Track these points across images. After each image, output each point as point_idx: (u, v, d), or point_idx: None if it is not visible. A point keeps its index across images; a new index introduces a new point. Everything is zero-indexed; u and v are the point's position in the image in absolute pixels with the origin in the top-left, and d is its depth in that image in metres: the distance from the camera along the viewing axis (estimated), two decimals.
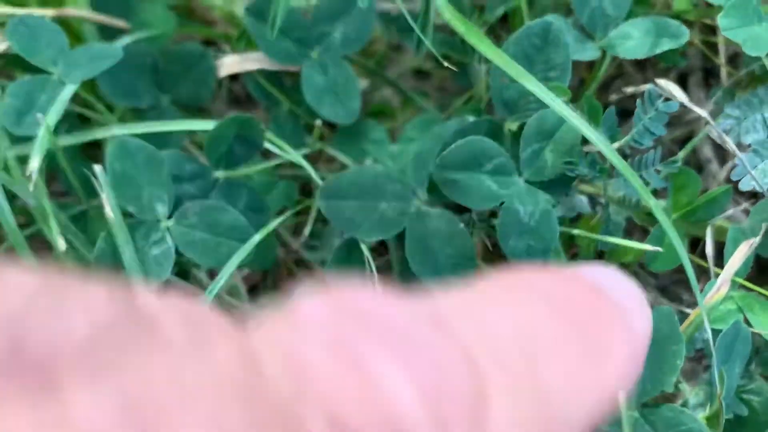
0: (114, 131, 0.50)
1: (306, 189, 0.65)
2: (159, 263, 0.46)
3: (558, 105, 0.42)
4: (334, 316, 0.20)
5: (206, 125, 0.50)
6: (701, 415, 0.46)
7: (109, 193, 0.46)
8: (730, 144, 0.46)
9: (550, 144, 0.46)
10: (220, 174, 0.50)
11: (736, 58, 0.63)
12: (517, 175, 0.46)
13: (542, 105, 0.46)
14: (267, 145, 0.52)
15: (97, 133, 0.50)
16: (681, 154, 0.51)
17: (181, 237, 0.47)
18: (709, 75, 0.65)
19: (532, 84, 0.43)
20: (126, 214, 0.47)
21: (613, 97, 0.51)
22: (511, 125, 0.48)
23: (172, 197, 0.47)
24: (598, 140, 0.41)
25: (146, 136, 0.55)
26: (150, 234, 0.47)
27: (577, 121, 0.42)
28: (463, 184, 0.45)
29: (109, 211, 0.45)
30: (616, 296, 0.30)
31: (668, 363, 0.44)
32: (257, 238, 0.47)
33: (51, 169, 0.65)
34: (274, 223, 0.48)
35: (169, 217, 0.47)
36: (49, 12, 0.52)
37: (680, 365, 0.44)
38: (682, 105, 0.47)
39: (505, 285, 0.26)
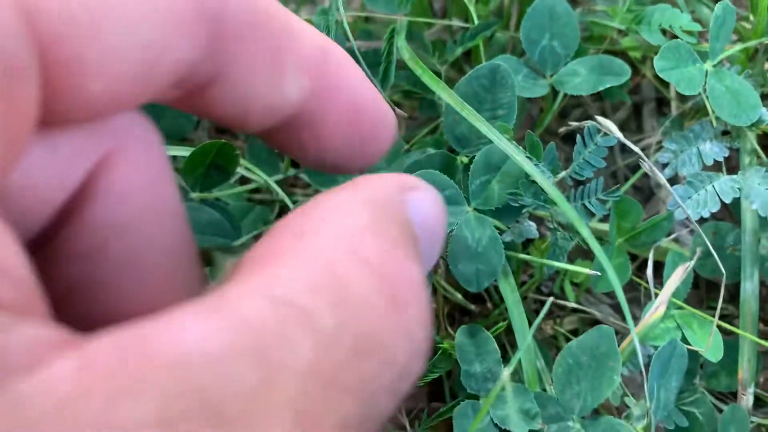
0: None
1: (284, 213, 0.69)
2: None
3: (503, 142, 0.46)
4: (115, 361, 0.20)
5: (184, 151, 0.53)
6: (639, 427, 0.50)
7: None
8: (660, 178, 0.49)
9: (498, 176, 0.50)
10: (195, 195, 0.54)
11: None
12: (466, 205, 0.50)
13: (490, 140, 0.50)
14: (243, 172, 0.56)
15: None
16: (624, 187, 0.55)
17: None
18: (662, 104, 0.69)
19: (479, 123, 0.47)
20: None
21: (562, 130, 0.54)
22: (463, 158, 0.52)
23: None
24: (538, 175, 0.45)
25: None
26: None
27: (519, 157, 0.46)
28: None
29: None
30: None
31: (606, 378, 0.48)
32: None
33: None
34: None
35: None
36: None
37: (617, 380, 0.48)
38: (632, 126, 0.50)
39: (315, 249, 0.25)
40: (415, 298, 0.24)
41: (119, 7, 0.23)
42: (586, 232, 0.45)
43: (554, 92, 0.57)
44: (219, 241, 0.51)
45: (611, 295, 0.65)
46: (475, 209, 0.50)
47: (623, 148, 0.69)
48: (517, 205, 0.51)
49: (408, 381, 0.23)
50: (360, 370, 0.22)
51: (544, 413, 0.48)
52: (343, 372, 0.21)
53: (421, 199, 0.28)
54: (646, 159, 0.49)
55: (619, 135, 0.49)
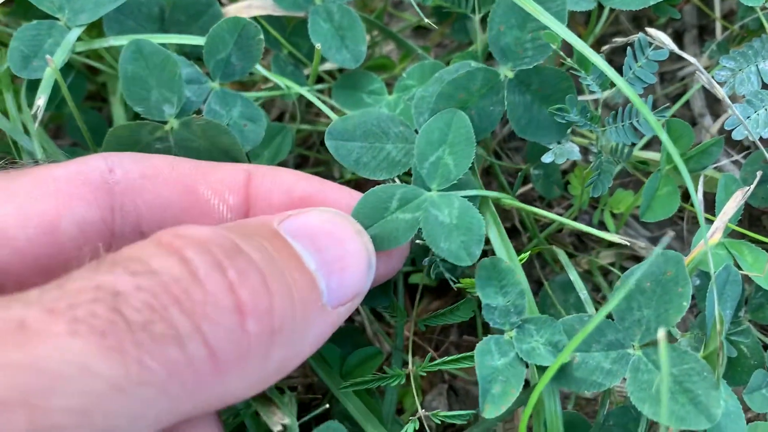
0: (112, 42, 0.52)
1: (307, 138, 0.66)
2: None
3: (563, 28, 0.43)
4: None
5: (200, 40, 0.51)
6: (699, 355, 0.47)
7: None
8: (719, 91, 0.46)
9: (446, 148, 0.47)
10: (215, 85, 0.51)
11: (730, 14, 0.64)
12: (426, 192, 0.47)
13: (538, 52, 0.47)
14: (262, 72, 0.53)
15: (103, 43, 0.52)
16: (675, 106, 0.52)
17: (182, 142, 0.48)
18: (704, 32, 0.66)
19: (539, 13, 0.44)
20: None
21: (605, 48, 0.51)
22: (507, 72, 0.49)
23: (182, 100, 0.48)
24: (596, 59, 0.43)
25: None
26: (155, 131, 0.48)
27: (578, 43, 0.43)
28: None
29: None
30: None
31: (674, 304, 0.44)
32: None
33: (57, 122, 0.66)
34: None
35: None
36: None
37: (686, 306, 0.44)
38: (673, 56, 0.47)
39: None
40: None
41: (19, 192, 0.37)
42: (665, 138, 0.42)
43: (600, 9, 0.54)
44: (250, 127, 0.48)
45: (650, 228, 0.62)
46: (438, 191, 0.47)
47: (662, 77, 0.66)
48: (562, 122, 0.48)
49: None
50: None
51: (602, 339, 0.45)
52: None
53: (294, 217, 0.39)
54: (704, 72, 0.45)
55: (673, 46, 0.46)
